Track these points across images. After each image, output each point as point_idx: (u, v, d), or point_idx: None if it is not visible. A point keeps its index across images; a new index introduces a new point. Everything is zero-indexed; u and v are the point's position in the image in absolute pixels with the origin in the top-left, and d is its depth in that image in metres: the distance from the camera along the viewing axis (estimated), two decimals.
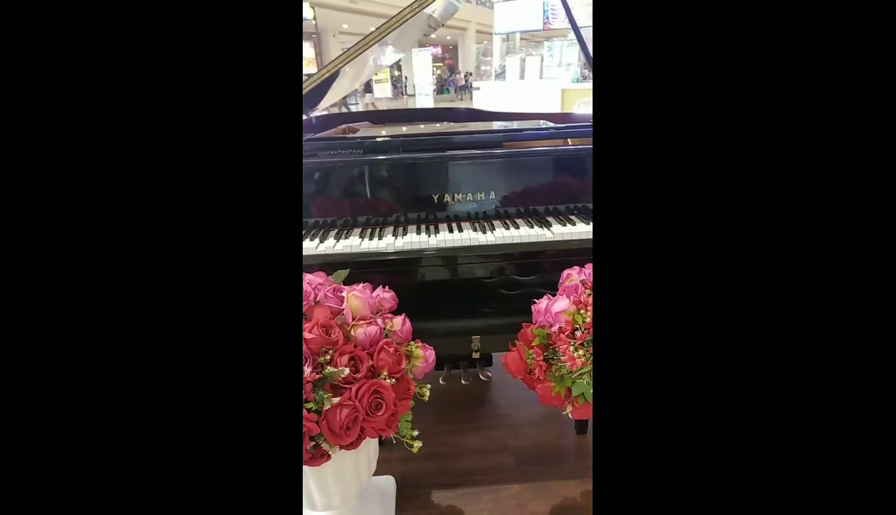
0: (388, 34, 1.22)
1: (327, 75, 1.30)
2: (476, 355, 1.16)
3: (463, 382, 1.35)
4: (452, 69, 16.99)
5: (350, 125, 1.73)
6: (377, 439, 0.96)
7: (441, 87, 14.67)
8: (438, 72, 16.47)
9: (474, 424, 1.34)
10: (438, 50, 17.99)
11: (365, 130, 1.58)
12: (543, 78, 5.91)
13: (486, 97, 6.24)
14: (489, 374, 1.41)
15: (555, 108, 5.08)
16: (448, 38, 17.34)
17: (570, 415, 0.88)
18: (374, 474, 1.14)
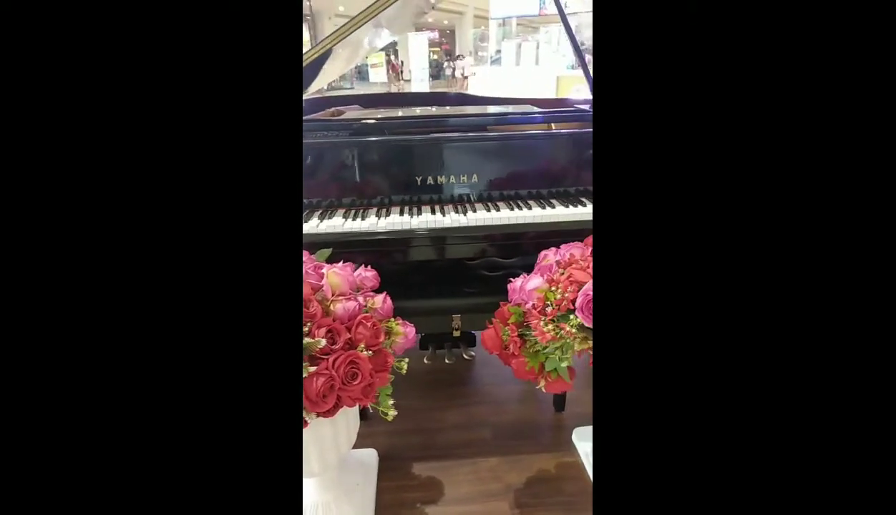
0: (377, 14, 1.22)
1: (316, 57, 1.31)
2: (457, 333, 1.20)
3: (447, 361, 1.39)
4: (450, 54, 16.77)
5: (339, 108, 1.73)
6: (357, 412, 1.00)
7: (437, 73, 14.49)
8: (435, 57, 16.26)
9: (456, 401, 1.38)
10: (436, 34, 17.73)
11: (351, 113, 1.59)
12: (539, 64, 5.87)
13: (481, 83, 6.20)
14: (472, 354, 1.45)
15: (549, 95, 5.07)
16: (445, 21, 17.08)
17: (543, 389, 0.91)
18: (357, 447, 1.18)
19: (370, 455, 1.17)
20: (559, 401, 1.33)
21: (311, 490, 1.01)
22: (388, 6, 1.21)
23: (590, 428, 1.23)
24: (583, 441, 1.20)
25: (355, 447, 1.17)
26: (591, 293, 0.76)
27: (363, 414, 1.26)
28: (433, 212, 1.13)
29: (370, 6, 1.21)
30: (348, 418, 0.93)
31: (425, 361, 1.44)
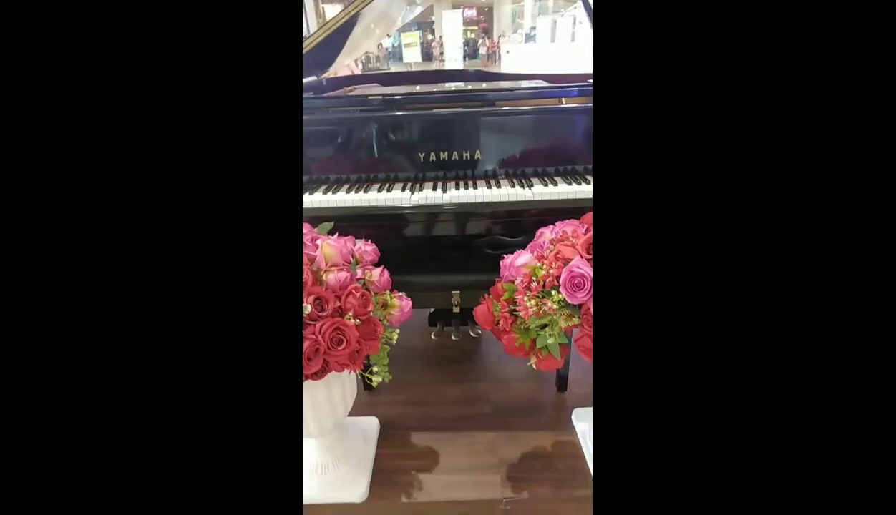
0: None
1: (338, 26, 1.30)
2: (456, 309, 1.21)
3: (453, 338, 1.41)
4: (487, 32, 16.40)
5: (355, 86, 1.75)
6: (354, 380, 1.04)
7: (474, 52, 14.22)
8: (472, 35, 15.95)
9: (460, 377, 1.41)
10: (474, 12, 17.35)
11: (360, 90, 1.61)
12: (575, 40, 5.65)
13: (514, 61, 6.05)
14: (479, 332, 1.46)
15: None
16: None
17: (534, 367, 0.92)
18: (360, 414, 1.23)
19: (372, 423, 1.22)
20: (562, 381, 1.33)
21: (314, 451, 1.07)
22: None
23: (590, 409, 1.23)
24: (581, 422, 1.20)
25: (359, 414, 1.23)
26: (575, 270, 0.76)
27: (369, 385, 1.31)
28: (434, 188, 1.14)
29: None
30: (344, 385, 0.98)
31: (432, 337, 1.47)
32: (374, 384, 0.86)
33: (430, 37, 14.38)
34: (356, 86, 1.72)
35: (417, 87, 1.57)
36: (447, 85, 1.73)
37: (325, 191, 1.14)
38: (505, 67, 6.10)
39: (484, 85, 1.69)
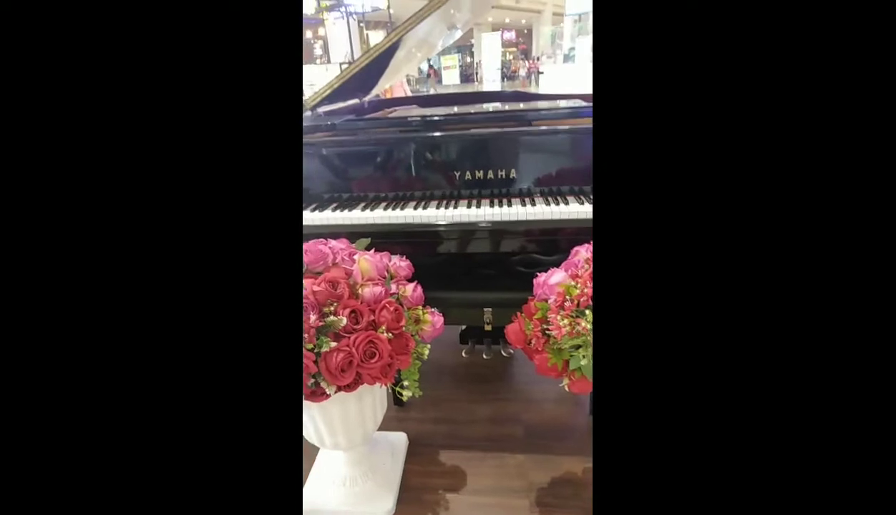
0: (436, 9, 1.26)
1: (376, 56, 1.36)
2: (488, 327, 1.21)
3: (484, 357, 1.40)
4: (526, 53, 16.58)
5: (395, 108, 1.81)
6: (385, 395, 1.05)
7: (512, 73, 14.39)
8: (511, 57, 16.17)
9: (490, 396, 1.39)
10: (513, 34, 17.63)
11: (399, 111, 1.66)
12: None
13: (552, 82, 6.07)
14: (511, 351, 1.44)
15: None
16: (523, 21, 16.92)
17: (567, 388, 0.90)
18: (390, 430, 1.24)
19: (400, 439, 1.22)
20: None
21: (342, 464, 1.08)
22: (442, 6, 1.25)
23: None
24: None
25: (388, 429, 1.24)
26: None
27: (399, 401, 1.32)
28: (469, 206, 1.15)
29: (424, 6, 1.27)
30: (375, 399, 0.99)
31: (464, 355, 1.46)
32: (405, 399, 0.86)
33: (469, 59, 14.71)
34: (396, 108, 1.78)
35: (455, 108, 1.60)
36: (484, 105, 1.76)
37: (364, 208, 1.18)
38: (543, 88, 6.12)
39: (521, 105, 1.70)
